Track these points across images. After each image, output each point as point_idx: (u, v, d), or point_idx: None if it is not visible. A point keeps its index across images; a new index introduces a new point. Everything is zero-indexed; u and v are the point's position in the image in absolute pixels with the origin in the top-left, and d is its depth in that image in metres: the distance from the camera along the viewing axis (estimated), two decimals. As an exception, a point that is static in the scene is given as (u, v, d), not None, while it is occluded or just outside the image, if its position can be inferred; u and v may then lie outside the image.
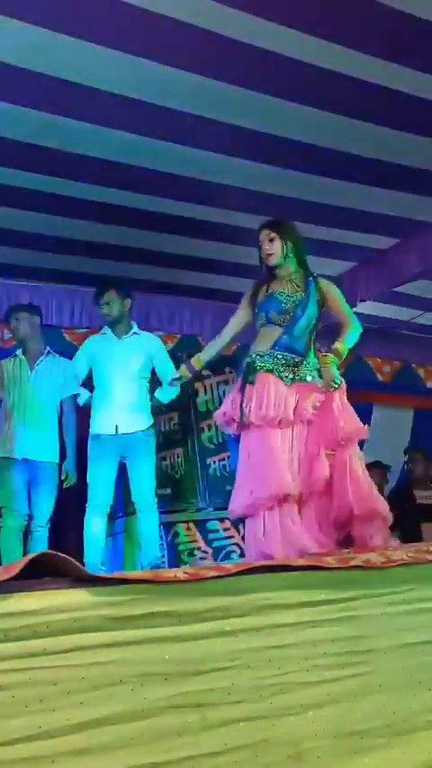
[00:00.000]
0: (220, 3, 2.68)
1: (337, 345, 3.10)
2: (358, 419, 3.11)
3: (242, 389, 2.98)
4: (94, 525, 3.71)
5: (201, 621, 1.66)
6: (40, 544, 3.72)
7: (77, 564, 1.64)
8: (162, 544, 4.17)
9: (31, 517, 3.79)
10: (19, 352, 4.00)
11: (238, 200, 4.04)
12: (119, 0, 2.64)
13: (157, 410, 4.05)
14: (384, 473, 5.46)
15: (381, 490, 5.40)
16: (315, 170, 3.87)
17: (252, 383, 2.97)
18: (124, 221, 4.23)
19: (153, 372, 3.99)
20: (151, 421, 3.94)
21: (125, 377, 3.88)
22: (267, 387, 2.95)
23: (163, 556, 4.12)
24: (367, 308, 5.52)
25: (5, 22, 2.68)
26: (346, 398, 3.09)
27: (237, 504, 2.94)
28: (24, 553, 3.60)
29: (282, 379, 2.99)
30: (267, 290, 3.14)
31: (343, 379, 3.07)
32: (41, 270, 4.68)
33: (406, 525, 4.66)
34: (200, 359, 3.35)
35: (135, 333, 4.01)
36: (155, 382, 4.00)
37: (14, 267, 4.58)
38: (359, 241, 4.76)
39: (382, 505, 2.96)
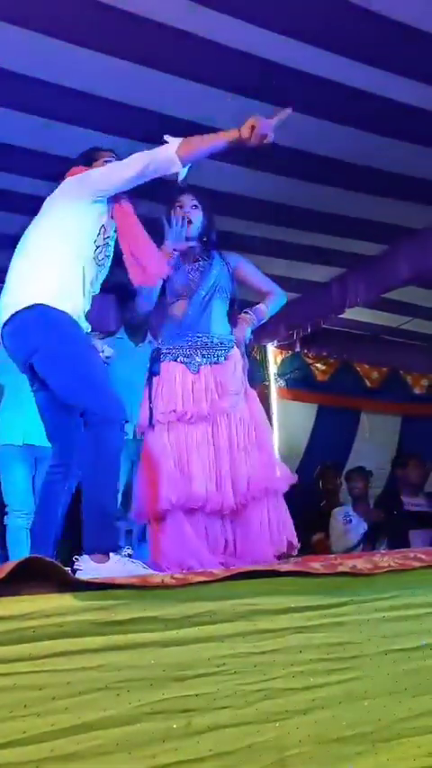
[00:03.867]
0: (208, 6, 2.69)
1: (261, 306, 3.00)
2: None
3: (149, 383, 2.83)
4: None
5: (187, 627, 1.66)
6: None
7: (64, 568, 1.63)
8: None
9: None
10: None
11: (225, 205, 4.05)
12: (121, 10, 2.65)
13: None
14: (367, 479, 5.47)
15: (365, 496, 5.45)
16: (304, 177, 3.88)
17: (157, 374, 2.82)
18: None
19: None
20: None
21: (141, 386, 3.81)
22: (173, 377, 2.79)
23: None
24: (356, 314, 5.55)
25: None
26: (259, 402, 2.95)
27: (139, 509, 2.81)
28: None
29: (188, 365, 2.82)
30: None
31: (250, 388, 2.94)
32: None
33: (393, 532, 4.66)
34: None
35: (150, 342, 3.98)
36: None
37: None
38: (348, 247, 4.78)
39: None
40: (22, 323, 2.28)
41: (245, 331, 2.95)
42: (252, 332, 3.03)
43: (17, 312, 2.28)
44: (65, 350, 2.27)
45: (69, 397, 2.33)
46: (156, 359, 2.87)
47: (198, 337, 2.86)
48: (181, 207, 2.95)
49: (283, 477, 2.88)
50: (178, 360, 2.84)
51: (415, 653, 1.97)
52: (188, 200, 2.97)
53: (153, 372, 2.83)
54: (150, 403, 2.78)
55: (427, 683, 1.95)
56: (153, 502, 2.70)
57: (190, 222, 2.93)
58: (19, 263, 2.39)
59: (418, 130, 3.48)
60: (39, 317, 2.24)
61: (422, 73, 3.09)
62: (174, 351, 2.86)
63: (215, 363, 2.85)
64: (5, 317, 2.32)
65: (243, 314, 2.98)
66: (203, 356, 2.85)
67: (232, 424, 2.80)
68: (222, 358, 2.87)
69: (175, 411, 2.76)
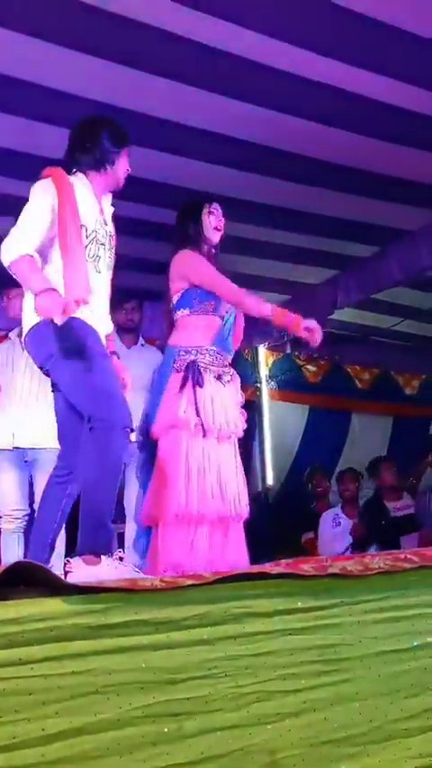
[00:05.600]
0: (202, 12, 2.69)
1: None
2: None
3: (192, 391, 2.84)
4: None
5: (178, 630, 1.66)
6: None
7: (54, 573, 1.63)
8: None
9: (34, 510, 3.63)
10: (13, 333, 3.78)
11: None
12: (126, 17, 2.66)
13: None
14: (358, 480, 5.47)
15: (355, 498, 5.44)
16: (296, 179, 3.89)
17: (201, 385, 2.85)
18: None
19: None
20: None
21: (137, 387, 3.79)
22: (210, 391, 2.86)
23: None
24: (347, 315, 5.57)
25: None
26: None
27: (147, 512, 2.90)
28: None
29: (220, 380, 2.92)
30: None
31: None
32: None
33: (384, 541, 4.61)
34: None
35: (142, 345, 3.97)
36: None
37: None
38: (340, 249, 4.79)
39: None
40: (38, 330, 2.36)
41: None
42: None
43: (35, 324, 2.36)
44: (74, 357, 2.30)
45: (77, 403, 2.39)
46: (196, 370, 2.88)
47: (225, 357, 2.99)
48: (209, 214, 3.02)
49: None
50: (212, 374, 2.91)
51: (406, 654, 1.97)
52: (218, 212, 3.05)
53: (197, 383, 2.85)
54: (182, 411, 2.82)
55: (418, 684, 1.95)
56: (169, 506, 2.76)
57: (218, 231, 3.03)
58: None
59: (409, 133, 3.50)
60: (53, 325, 2.27)
61: (414, 76, 3.10)
62: (209, 366, 2.91)
63: (229, 382, 2.98)
64: (28, 325, 2.41)
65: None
66: (225, 373, 2.97)
67: (236, 443, 2.97)
68: (232, 375, 3.02)
69: (213, 423, 2.83)
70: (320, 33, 2.84)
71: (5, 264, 2.31)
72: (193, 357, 2.89)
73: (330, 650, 1.86)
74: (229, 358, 3.02)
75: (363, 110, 3.29)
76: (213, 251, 3.05)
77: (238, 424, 2.95)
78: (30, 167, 3.09)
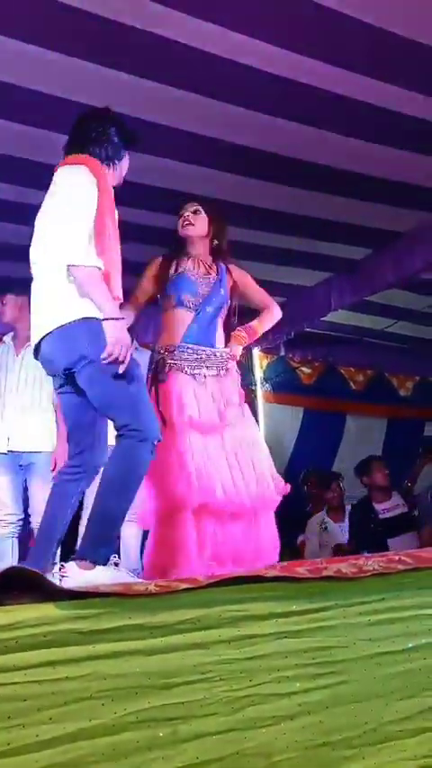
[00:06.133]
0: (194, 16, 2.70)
1: (254, 324, 3.08)
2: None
3: (153, 390, 2.82)
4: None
5: (172, 634, 1.66)
6: None
7: (47, 578, 1.62)
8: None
9: (29, 515, 3.59)
10: (7, 337, 3.78)
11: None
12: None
13: None
14: (339, 483, 5.49)
15: (341, 499, 5.46)
16: (289, 182, 3.89)
17: (164, 381, 2.83)
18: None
19: None
20: None
21: None
22: (183, 387, 2.82)
23: None
24: (341, 317, 5.57)
25: None
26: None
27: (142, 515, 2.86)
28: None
29: (195, 377, 2.87)
30: (177, 269, 2.98)
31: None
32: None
33: (372, 546, 4.55)
34: None
35: (137, 348, 3.96)
36: None
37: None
38: (334, 251, 4.80)
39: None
40: (72, 330, 2.29)
41: (237, 349, 3.01)
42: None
43: (67, 323, 2.29)
44: (115, 364, 2.26)
45: (110, 410, 2.34)
46: (160, 367, 2.87)
47: (203, 351, 2.90)
48: (180, 213, 3.02)
49: (278, 489, 2.97)
50: (185, 371, 2.87)
51: (401, 656, 1.97)
52: (188, 207, 3.02)
53: (160, 380, 2.84)
54: (159, 407, 2.76)
55: (413, 685, 1.95)
56: (165, 501, 2.73)
57: (191, 225, 2.98)
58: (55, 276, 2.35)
59: (401, 135, 3.50)
60: (91, 327, 2.26)
61: (405, 78, 3.11)
62: (180, 362, 2.87)
63: (217, 376, 2.92)
64: (52, 326, 2.32)
65: (237, 332, 3.04)
66: (208, 368, 2.90)
67: (236, 435, 2.88)
68: (224, 371, 2.94)
69: (192, 418, 2.78)
70: (312, 37, 2.85)
71: (68, 262, 2.25)
72: (159, 357, 2.89)
73: (325, 653, 1.86)
74: (214, 351, 2.93)
75: (355, 112, 3.30)
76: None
77: (227, 416, 2.86)
78: (27, 173, 3.12)
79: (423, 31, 2.84)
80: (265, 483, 2.91)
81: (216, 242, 3.03)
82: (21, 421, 3.59)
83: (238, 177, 3.79)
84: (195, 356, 2.88)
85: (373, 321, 5.98)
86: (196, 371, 2.88)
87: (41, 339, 2.37)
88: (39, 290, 2.40)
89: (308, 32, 2.83)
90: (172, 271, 2.97)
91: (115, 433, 2.30)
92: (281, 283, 5.11)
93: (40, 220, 2.42)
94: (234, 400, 2.93)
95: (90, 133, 2.48)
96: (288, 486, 3.04)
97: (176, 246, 3.04)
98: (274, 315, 3.16)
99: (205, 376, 2.88)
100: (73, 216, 2.28)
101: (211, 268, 3.01)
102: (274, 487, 2.94)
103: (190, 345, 2.88)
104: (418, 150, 3.62)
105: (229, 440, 2.86)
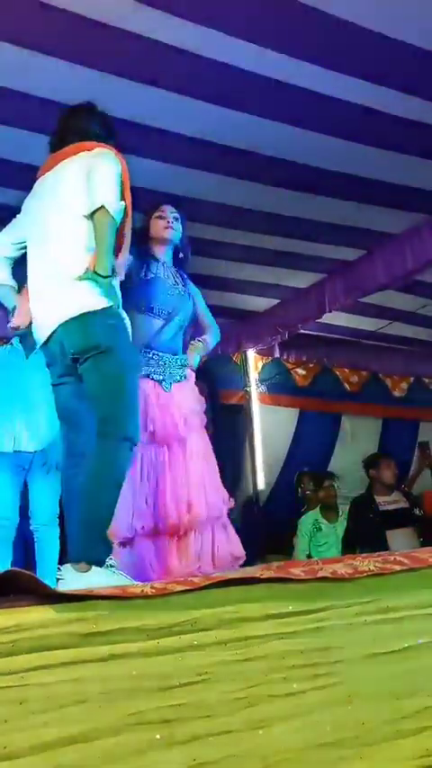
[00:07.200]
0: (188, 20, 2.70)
1: (206, 338, 3.12)
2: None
3: None
4: None
5: (168, 636, 1.65)
6: (46, 545, 3.54)
7: (43, 581, 1.62)
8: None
9: (30, 516, 3.59)
10: (15, 340, 3.73)
11: (206, 213, 4.06)
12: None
13: None
14: (331, 483, 5.51)
15: (334, 498, 5.48)
16: (283, 183, 3.90)
17: None
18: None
19: None
20: None
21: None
22: (148, 395, 2.81)
23: None
24: (335, 318, 5.59)
25: None
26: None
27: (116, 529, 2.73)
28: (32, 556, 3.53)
29: (161, 383, 2.87)
30: (147, 273, 2.95)
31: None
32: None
33: (370, 537, 4.60)
34: None
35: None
36: None
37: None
38: (327, 253, 4.81)
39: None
40: (93, 319, 2.27)
41: (195, 358, 3.04)
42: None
43: (91, 311, 2.27)
44: (123, 359, 2.28)
45: (101, 402, 2.30)
46: None
47: (168, 358, 2.92)
48: (159, 216, 3.00)
49: (224, 502, 2.98)
50: (152, 377, 2.87)
51: (397, 656, 1.97)
52: (169, 212, 3.02)
53: None
54: None
55: (409, 686, 1.95)
56: (119, 529, 2.70)
57: (170, 230, 2.98)
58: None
59: (394, 137, 3.52)
60: (110, 319, 2.27)
61: (401, 83, 3.12)
62: (147, 368, 2.86)
63: (178, 382, 2.94)
64: (75, 312, 2.29)
65: (195, 341, 3.07)
66: (170, 375, 2.92)
67: (194, 445, 2.90)
68: (183, 377, 2.97)
69: (153, 432, 2.79)
70: (306, 40, 2.86)
71: (103, 201, 2.22)
72: None
73: (321, 654, 1.86)
74: (176, 358, 2.95)
75: (348, 115, 3.31)
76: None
77: (186, 425, 2.88)
78: (18, 177, 3.11)
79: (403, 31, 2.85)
80: (216, 495, 2.93)
81: (182, 254, 3.06)
82: (28, 421, 3.58)
83: (231, 179, 3.80)
84: (160, 363, 2.90)
85: (367, 322, 6.00)
86: (161, 378, 2.89)
87: (60, 324, 2.33)
88: (53, 276, 2.35)
89: (298, 35, 2.84)
90: (142, 274, 2.94)
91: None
92: (275, 285, 5.13)
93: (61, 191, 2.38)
94: (196, 408, 2.96)
95: (101, 124, 2.49)
96: (232, 501, 3.05)
97: (145, 248, 3.00)
98: (215, 335, 3.19)
99: (170, 383, 2.90)
100: (115, 180, 2.30)
101: (176, 277, 3.02)
102: (222, 500, 2.96)
103: (156, 353, 2.90)
104: (412, 152, 3.64)
105: (183, 451, 2.87)
